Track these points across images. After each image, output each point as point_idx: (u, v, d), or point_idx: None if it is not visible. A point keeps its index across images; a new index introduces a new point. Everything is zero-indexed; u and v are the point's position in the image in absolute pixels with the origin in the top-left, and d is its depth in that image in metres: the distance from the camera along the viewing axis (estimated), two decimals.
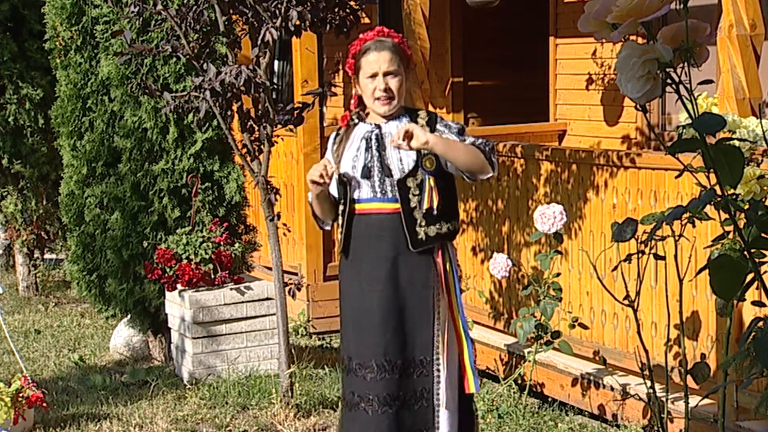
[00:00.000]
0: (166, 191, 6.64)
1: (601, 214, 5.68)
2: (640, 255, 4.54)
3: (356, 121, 4.25)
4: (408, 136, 3.95)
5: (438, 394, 4.17)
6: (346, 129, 4.26)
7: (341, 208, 4.20)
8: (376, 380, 4.11)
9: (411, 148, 3.99)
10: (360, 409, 4.16)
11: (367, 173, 4.12)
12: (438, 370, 4.16)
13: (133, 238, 6.66)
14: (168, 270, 6.34)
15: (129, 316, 7.00)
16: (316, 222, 4.41)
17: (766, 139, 3.31)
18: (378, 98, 4.14)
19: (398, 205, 4.11)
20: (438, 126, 4.17)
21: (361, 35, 4.25)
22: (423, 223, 4.11)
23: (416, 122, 4.17)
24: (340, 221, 4.22)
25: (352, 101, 4.30)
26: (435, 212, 4.10)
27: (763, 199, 3.19)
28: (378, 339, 4.11)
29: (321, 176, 4.03)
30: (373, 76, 4.14)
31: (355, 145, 4.19)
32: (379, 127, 4.19)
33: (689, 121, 2.02)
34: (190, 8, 5.39)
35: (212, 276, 6.40)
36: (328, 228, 4.45)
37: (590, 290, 5.77)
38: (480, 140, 4.16)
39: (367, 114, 4.25)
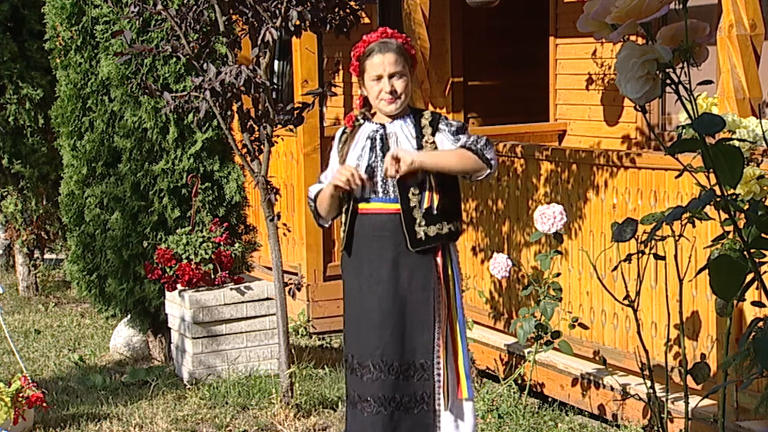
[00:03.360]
0: (166, 191, 6.64)
1: (601, 214, 5.68)
2: (640, 255, 4.54)
3: (361, 121, 4.27)
4: (396, 161, 3.99)
5: (439, 398, 4.16)
6: (352, 129, 4.27)
7: (345, 206, 4.22)
8: (372, 381, 4.12)
9: (401, 173, 4.03)
10: (358, 409, 4.19)
11: (370, 173, 4.13)
12: (438, 374, 4.16)
13: (133, 238, 6.66)
14: (168, 270, 6.33)
15: (129, 316, 7.00)
16: (315, 219, 4.41)
17: (766, 139, 3.31)
18: (383, 99, 4.15)
19: (399, 206, 4.12)
20: (440, 125, 4.18)
21: (364, 36, 4.25)
22: (422, 223, 4.10)
23: (420, 122, 4.19)
24: (343, 219, 4.23)
25: (357, 102, 4.32)
26: (435, 212, 4.10)
27: (763, 199, 3.19)
28: (376, 340, 4.12)
29: (347, 182, 4.07)
30: (378, 78, 4.14)
31: (360, 144, 4.21)
32: (383, 126, 4.20)
33: (689, 121, 2.02)
34: (190, 8, 5.39)
35: (212, 276, 6.39)
36: (327, 225, 4.46)
37: (590, 290, 5.77)
38: (472, 139, 4.15)
39: (374, 114, 4.27)
